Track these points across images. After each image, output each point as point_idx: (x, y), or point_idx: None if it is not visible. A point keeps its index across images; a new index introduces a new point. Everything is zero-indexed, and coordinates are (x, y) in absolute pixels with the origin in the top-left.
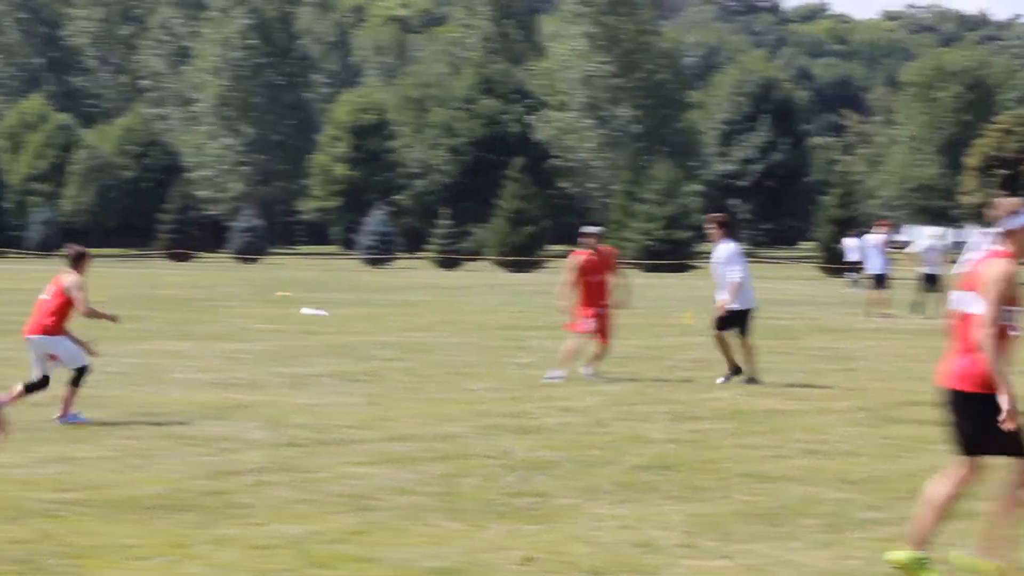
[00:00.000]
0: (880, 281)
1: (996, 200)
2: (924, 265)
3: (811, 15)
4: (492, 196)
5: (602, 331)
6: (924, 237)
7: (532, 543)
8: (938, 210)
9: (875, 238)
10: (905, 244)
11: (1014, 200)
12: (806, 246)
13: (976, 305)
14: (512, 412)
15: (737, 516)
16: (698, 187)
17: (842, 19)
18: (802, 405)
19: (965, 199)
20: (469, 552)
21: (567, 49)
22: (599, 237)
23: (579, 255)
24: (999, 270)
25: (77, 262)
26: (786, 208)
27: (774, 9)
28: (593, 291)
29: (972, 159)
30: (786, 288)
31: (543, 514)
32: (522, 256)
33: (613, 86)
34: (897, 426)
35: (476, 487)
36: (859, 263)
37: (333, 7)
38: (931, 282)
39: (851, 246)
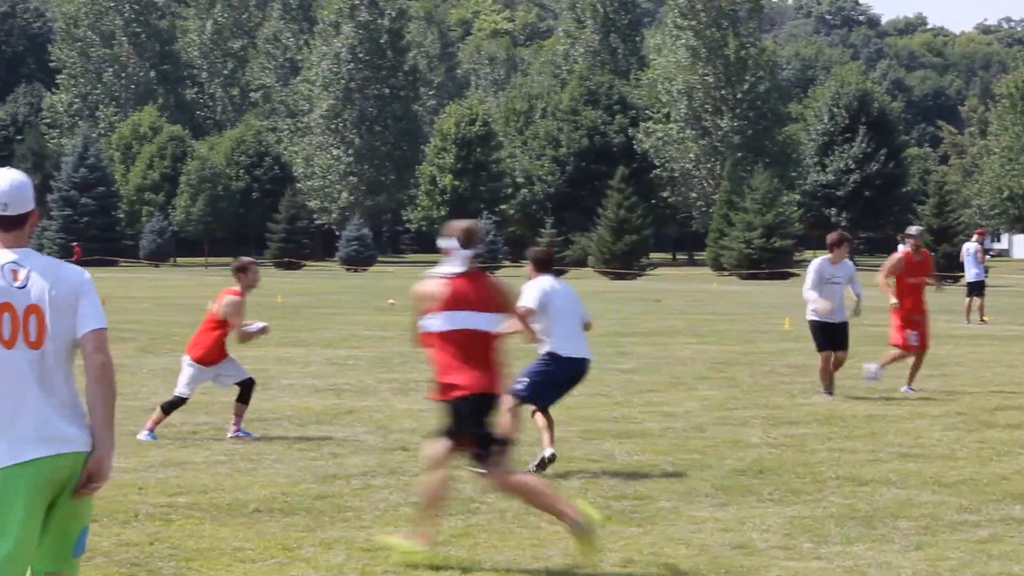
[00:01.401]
0: (977, 288)
1: None
2: None
3: (908, 28)
4: (595, 206)
5: (922, 339)
6: None
7: (632, 545)
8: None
9: (971, 246)
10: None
11: None
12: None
13: None
14: (614, 417)
15: (833, 519)
16: (796, 197)
17: (939, 32)
18: (898, 410)
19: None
20: (571, 554)
21: (670, 61)
22: (919, 238)
23: (901, 254)
24: None
25: (240, 273)
26: (883, 217)
27: (872, 23)
28: (909, 294)
29: None
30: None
31: (643, 517)
32: (625, 264)
33: (714, 97)
34: (991, 431)
35: (578, 490)
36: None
37: (440, 21)
38: None
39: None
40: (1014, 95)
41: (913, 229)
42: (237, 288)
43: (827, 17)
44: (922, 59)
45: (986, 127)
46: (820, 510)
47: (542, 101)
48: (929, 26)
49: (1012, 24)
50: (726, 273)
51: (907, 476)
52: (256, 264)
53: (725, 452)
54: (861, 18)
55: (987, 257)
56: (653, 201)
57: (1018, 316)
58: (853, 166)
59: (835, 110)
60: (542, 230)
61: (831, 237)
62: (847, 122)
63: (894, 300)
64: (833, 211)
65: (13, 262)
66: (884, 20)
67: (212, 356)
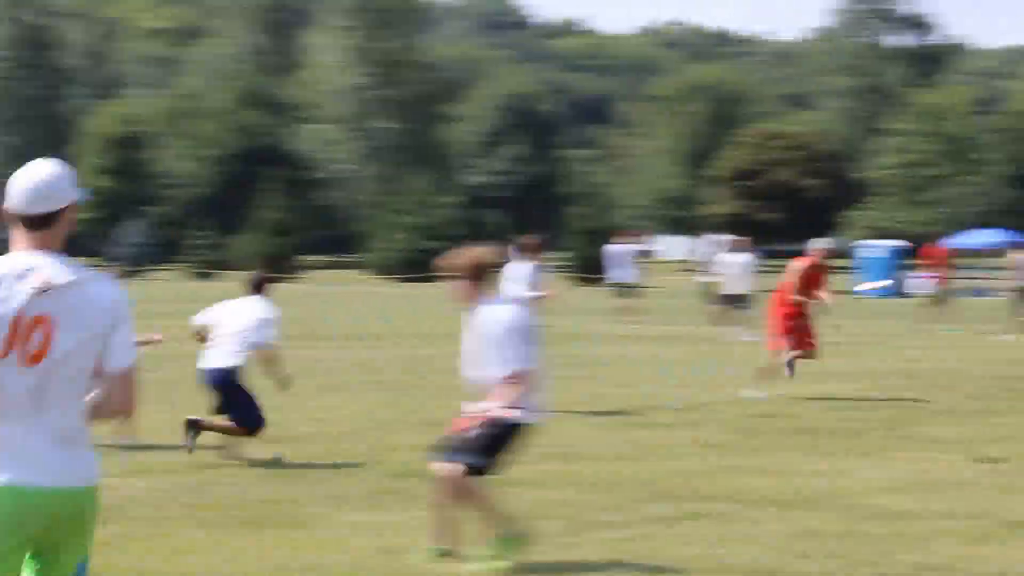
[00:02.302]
0: (628, 289)
1: None
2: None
3: (565, 30)
4: (251, 207)
5: (801, 342)
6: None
7: (283, 551)
8: (683, 220)
9: (624, 248)
10: (652, 253)
11: None
12: (561, 255)
13: None
14: (271, 421)
15: (479, 520)
16: (453, 199)
17: (595, 35)
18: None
19: (709, 210)
20: (213, 563)
21: (328, 61)
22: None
23: (802, 262)
24: None
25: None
26: (539, 219)
27: (530, 25)
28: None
29: (716, 171)
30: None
31: (295, 521)
32: (277, 267)
33: (373, 98)
34: (639, 431)
35: (226, 495)
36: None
37: (94, 18)
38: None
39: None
40: (671, 98)
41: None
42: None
43: (487, 19)
44: (581, 62)
45: (641, 130)
46: (462, 512)
47: (199, 101)
48: (587, 28)
49: (669, 26)
50: (384, 276)
51: (552, 477)
52: None
53: (379, 456)
54: (519, 20)
55: (640, 259)
56: (311, 203)
57: (670, 317)
58: (510, 168)
59: (494, 111)
60: (194, 232)
61: (524, 242)
62: (505, 124)
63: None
64: (493, 213)
65: (38, 267)
66: (543, 22)
67: None
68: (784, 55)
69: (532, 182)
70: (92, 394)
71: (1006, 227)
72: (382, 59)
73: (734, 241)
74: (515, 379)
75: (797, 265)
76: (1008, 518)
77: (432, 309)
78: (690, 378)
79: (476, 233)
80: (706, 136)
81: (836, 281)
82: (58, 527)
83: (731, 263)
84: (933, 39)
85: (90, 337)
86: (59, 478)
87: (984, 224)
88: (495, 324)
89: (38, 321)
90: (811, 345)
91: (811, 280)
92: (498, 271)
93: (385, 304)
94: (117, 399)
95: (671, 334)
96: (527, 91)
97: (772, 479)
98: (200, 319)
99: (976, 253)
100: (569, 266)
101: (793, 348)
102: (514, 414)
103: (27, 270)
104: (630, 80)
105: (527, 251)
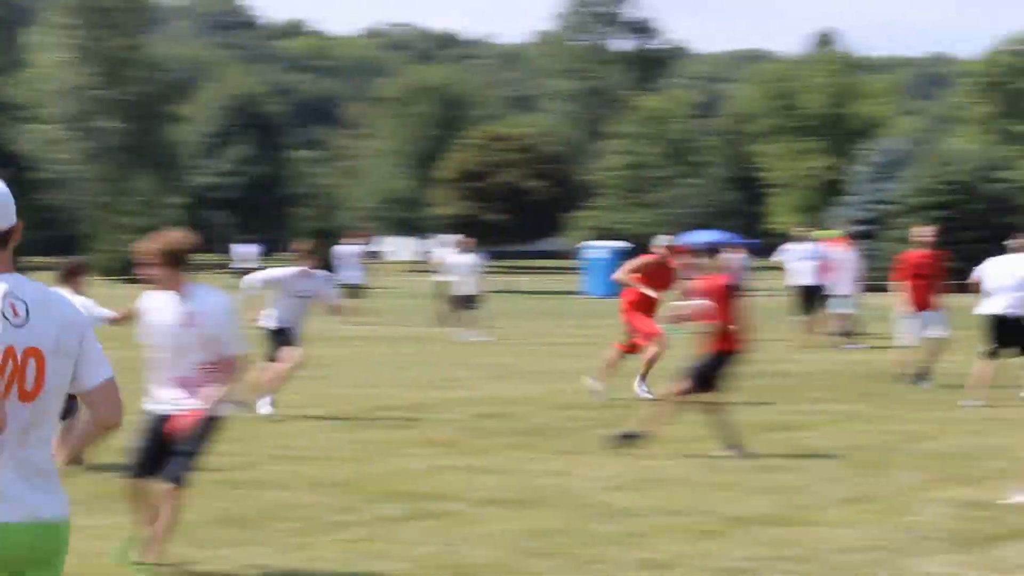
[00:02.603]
0: (355, 290)
1: None
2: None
3: (291, 31)
4: None
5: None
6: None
7: None
8: (411, 221)
9: (350, 248)
10: (380, 254)
11: None
12: (288, 256)
13: None
14: None
15: (211, 523)
16: (179, 199)
17: (322, 36)
18: (278, 412)
19: (436, 211)
20: None
21: (50, 60)
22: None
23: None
24: None
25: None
26: (266, 220)
27: (255, 26)
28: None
29: (443, 172)
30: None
31: None
32: None
33: (97, 98)
34: (371, 431)
35: None
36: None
37: None
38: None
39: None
40: (397, 99)
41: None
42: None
43: (214, 19)
44: (307, 62)
45: (367, 131)
46: (195, 515)
47: None
48: (314, 29)
49: (394, 28)
50: (110, 277)
51: (285, 478)
52: None
53: (103, 457)
54: (247, 21)
55: (367, 259)
56: (35, 204)
57: (400, 317)
58: (235, 169)
59: (219, 111)
60: None
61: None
62: (231, 124)
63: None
64: (221, 213)
65: (9, 293)
66: (270, 23)
67: None
68: (510, 58)
69: (258, 183)
70: (82, 418)
71: (724, 228)
72: (107, 58)
73: (461, 242)
74: (229, 367)
75: (640, 262)
76: (727, 513)
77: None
78: (420, 378)
79: (203, 233)
80: (432, 138)
81: (566, 282)
82: (32, 562)
83: (459, 264)
84: (655, 43)
85: (70, 361)
86: (36, 512)
87: (703, 225)
88: (204, 310)
89: (30, 354)
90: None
91: (654, 276)
92: (193, 255)
93: (106, 305)
94: (106, 412)
95: (400, 335)
96: (253, 92)
97: (501, 478)
98: None
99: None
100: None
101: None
102: (224, 406)
103: (3, 296)
104: (356, 81)
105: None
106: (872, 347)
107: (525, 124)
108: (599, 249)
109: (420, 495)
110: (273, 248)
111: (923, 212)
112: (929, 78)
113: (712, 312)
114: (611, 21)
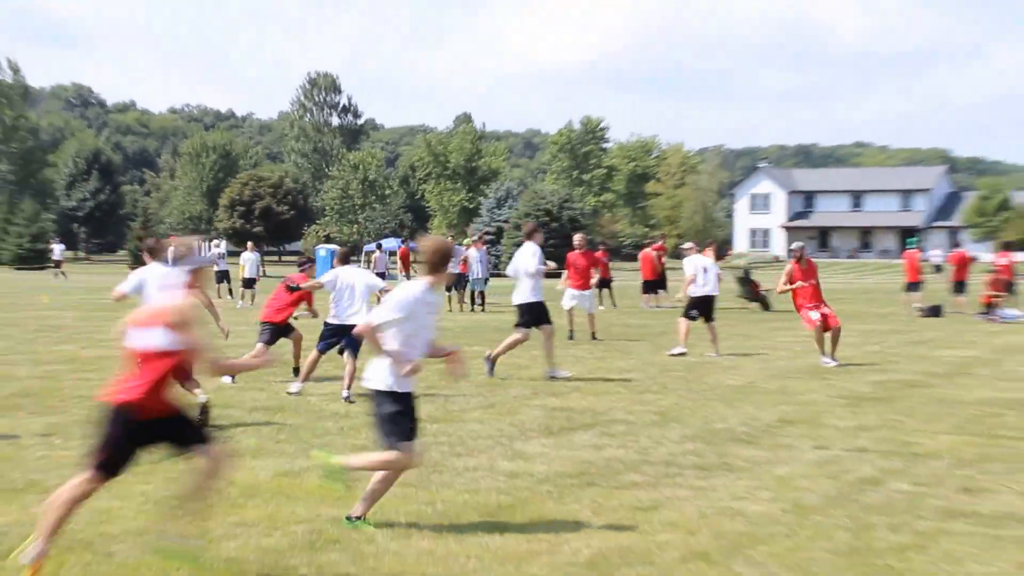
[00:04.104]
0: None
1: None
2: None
3: (126, 108)
4: None
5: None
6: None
7: None
8: (201, 231)
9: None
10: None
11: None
12: None
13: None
14: None
15: (77, 423)
16: (51, 217)
17: (144, 111)
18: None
19: (220, 225)
20: None
21: None
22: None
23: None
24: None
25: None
26: (108, 229)
27: (101, 103)
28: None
29: (223, 200)
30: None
31: None
32: None
33: None
34: None
35: None
36: None
37: None
38: None
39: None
40: (191, 153)
41: (795, 244)
42: None
43: (73, 97)
44: (135, 128)
45: (173, 173)
46: (67, 417)
47: None
48: (140, 107)
49: (192, 107)
50: (7, 265)
51: None
52: None
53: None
54: (95, 100)
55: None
56: None
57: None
58: (89, 196)
59: (77, 160)
60: None
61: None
62: (85, 167)
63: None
64: (77, 226)
65: None
66: (110, 102)
67: None
68: (265, 126)
69: (102, 206)
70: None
71: (399, 237)
72: (2, 123)
73: (250, 246)
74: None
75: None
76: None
77: (36, 289)
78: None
79: (66, 239)
80: (215, 178)
81: None
82: None
83: (247, 258)
84: (356, 120)
85: None
86: None
87: (389, 236)
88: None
89: None
90: None
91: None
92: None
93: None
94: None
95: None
96: (100, 147)
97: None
98: None
99: None
100: None
101: None
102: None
103: None
104: (167, 141)
105: None
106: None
107: (275, 170)
108: (323, 249)
109: None
110: (110, 249)
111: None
112: (527, 143)
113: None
114: (329, 104)
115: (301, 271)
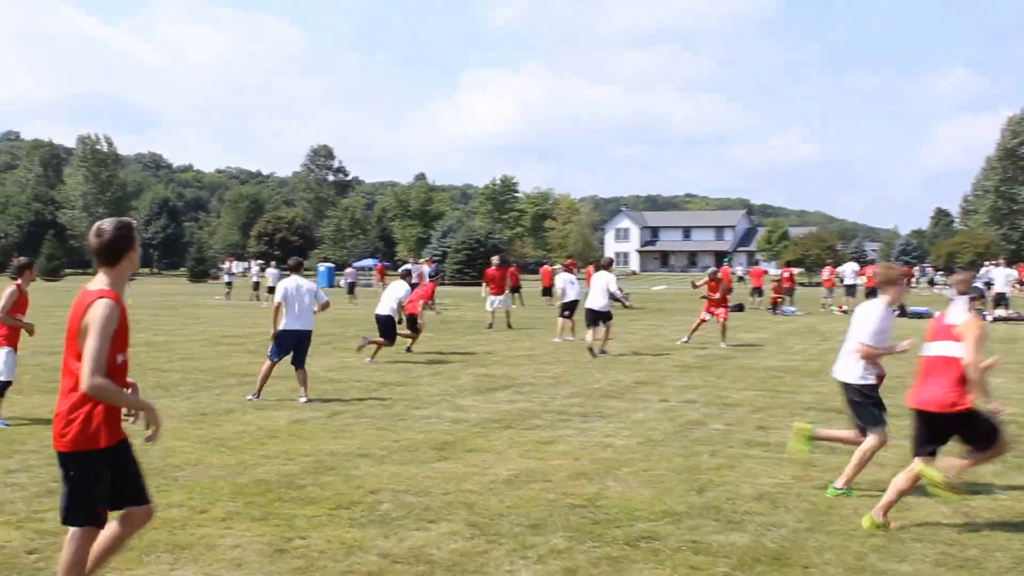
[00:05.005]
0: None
1: None
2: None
3: (185, 169)
4: None
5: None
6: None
7: None
8: (240, 255)
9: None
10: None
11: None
12: None
13: None
14: None
15: None
16: None
17: (199, 171)
18: None
19: (251, 250)
20: None
21: None
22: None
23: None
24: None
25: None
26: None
27: (169, 166)
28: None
29: (253, 232)
30: None
31: None
32: None
33: None
34: None
35: None
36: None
37: None
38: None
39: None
40: (231, 200)
41: (710, 269)
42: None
43: (148, 163)
44: (192, 183)
45: (219, 214)
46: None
47: None
48: (195, 168)
49: (232, 168)
50: None
51: None
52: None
53: None
54: (164, 164)
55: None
56: None
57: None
58: (160, 231)
59: (152, 205)
60: None
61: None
62: (157, 211)
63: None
64: (152, 251)
65: None
66: (175, 164)
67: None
68: (284, 182)
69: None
70: None
71: (375, 258)
72: None
73: (275, 266)
74: None
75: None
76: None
77: None
78: None
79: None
80: (248, 218)
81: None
82: None
83: (273, 273)
84: (345, 176)
85: None
86: None
87: (368, 257)
88: None
89: None
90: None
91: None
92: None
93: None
94: None
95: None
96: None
97: None
98: None
99: None
100: None
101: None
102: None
103: None
104: (215, 192)
105: None
106: (446, 310)
107: (289, 212)
108: (323, 267)
109: None
110: (174, 267)
111: (461, 254)
112: (463, 193)
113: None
114: (326, 166)
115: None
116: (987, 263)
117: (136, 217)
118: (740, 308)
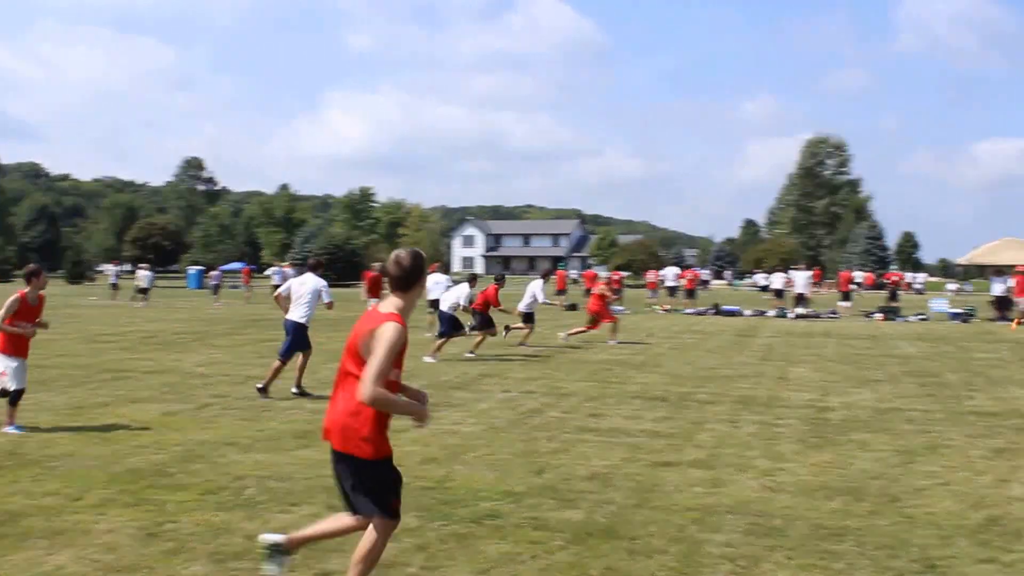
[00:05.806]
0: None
1: None
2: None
3: (63, 178)
4: None
5: None
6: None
7: None
8: (115, 257)
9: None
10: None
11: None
12: None
13: None
14: None
15: None
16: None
17: (77, 180)
18: None
19: (125, 254)
20: None
21: None
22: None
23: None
24: None
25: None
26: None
27: (48, 175)
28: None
29: (127, 237)
30: None
31: None
32: None
33: None
34: None
35: None
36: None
37: None
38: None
39: None
40: (107, 207)
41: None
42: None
43: (28, 172)
44: (70, 191)
45: (95, 220)
46: None
47: None
48: (73, 176)
49: (108, 177)
50: None
51: None
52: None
53: None
54: (44, 172)
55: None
56: None
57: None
58: (39, 235)
59: (31, 211)
60: None
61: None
62: (36, 216)
63: None
64: (32, 254)
65: None
66: (53, 173)
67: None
68: (157, 191)
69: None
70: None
71: (243, 261)
72: None
73: (144, 266)
74: None
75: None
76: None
77: None
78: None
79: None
80: (124, 224)
81: (180, 283)
82: None
83: (144, 275)
84: (214, 187)
85: None
86: None
87: (235, 260)
88: None
89: None
90: None
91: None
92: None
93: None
94: None
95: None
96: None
97: None
98: None
99: None
100: None
101: None
102: None
103: None
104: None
105: None
106: None
107: (162, 218)
108: (193, 269)
109: None
110: (52, 269)
111: (327, 256)
112: (324, 203)
113: None
114: (196, 176)
115: (496, 284)
116: (792, 267)
117: (15, 223)
118: (573, 307)
